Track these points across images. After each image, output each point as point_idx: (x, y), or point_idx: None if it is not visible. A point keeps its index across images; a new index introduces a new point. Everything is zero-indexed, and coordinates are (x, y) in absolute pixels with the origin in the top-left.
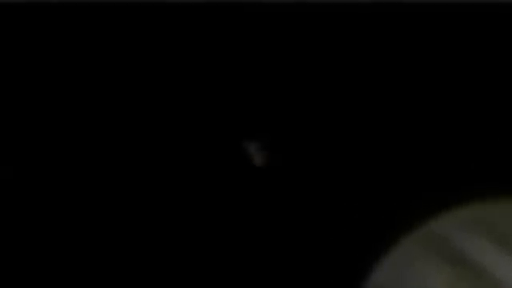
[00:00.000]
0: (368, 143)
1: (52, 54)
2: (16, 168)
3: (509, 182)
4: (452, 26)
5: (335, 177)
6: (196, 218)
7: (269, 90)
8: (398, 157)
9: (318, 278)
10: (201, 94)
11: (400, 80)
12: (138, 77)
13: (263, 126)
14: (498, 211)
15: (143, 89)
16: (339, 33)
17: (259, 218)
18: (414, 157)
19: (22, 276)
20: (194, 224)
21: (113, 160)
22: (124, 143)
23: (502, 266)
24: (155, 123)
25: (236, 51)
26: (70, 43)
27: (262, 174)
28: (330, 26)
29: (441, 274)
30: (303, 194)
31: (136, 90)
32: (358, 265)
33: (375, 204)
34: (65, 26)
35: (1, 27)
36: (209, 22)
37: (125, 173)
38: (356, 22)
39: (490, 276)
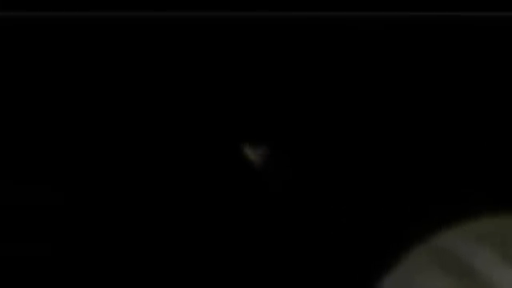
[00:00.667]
0: (374, 156)
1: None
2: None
3: None
4: (450, 38)
5: (337, 182)
6: (194, 219)
7: (266, 92)
8: (404, 169)
9: None
10: (199, 97)
11: (404, 91)
12: (137, 80)
13: (261, 127)
14: (507, 225)
15: (143, 91)
16: (337, 36)
17: (258, 221)
18: (422, 169)
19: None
20: (192, 225)
21: (112, 162)
22: (125, 147)
23: (510, 280)
24: (154, 126)
25: (233, 54)
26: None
27: (261, 175)
28: (326, 32)
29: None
30: (302, 199)
31: (136, 92)
32: (364, 278)
33: (380, 217)
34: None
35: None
36: (208, 25)
37: (125, 176)
38: (354, 28)
39: None
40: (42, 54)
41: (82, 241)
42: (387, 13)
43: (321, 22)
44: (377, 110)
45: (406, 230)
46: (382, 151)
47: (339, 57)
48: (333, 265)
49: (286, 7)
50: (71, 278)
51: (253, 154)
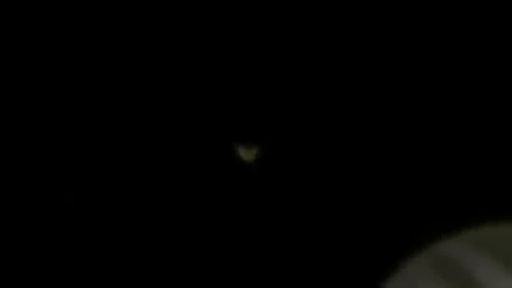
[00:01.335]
0: (375, 159)
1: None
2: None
3: None
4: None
5: (335, 186)
6: (189, 218)
7: (257, 89)
8: (407, 176)
9: None
10: (190, 94)
11: (403, 94)
12: (132, 79)
13: (251, 123)
14: (508, 234)
15: (137, 91)
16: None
17: (252, 221)
18: (425, 178)
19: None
20: (187, 225)
21: (106, 162)
22: (120, 147)
23: None
24: (146, 123)
25: (227, 54)
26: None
27: (251, 170)
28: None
29: None
30: (298, 201)
31: (130, 92)
32: (366, 285)
33: (381, 224)
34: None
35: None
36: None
37: (120, 175)
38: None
39: None
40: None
41: (75, 241)
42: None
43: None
44: (377, 113)
45: (408, 237)
46: (384, 155)
47: (331, 56)
48: (333, 271)
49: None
50: (71, 278)
51: (246, 154)
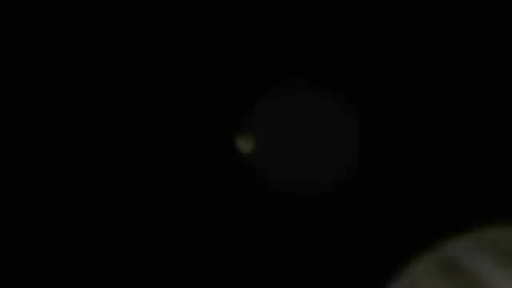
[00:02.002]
0: (376, 159)
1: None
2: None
3: None
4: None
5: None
6: (186, 213)
7: (255, 80)
8: (410, 178)
9: None
10: (188, 87)
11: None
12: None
13: (249, 115)
14: (508, 235)
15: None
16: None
17: (250, 216)
18: (427, 179)
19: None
20: (184, 220)
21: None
22: (114, 142)
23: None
24: (144, 120)
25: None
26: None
27: (251, 168)
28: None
29: None
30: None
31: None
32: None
33: (383, 226)
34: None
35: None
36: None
37: (116, 171)
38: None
39: None
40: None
41: (71, 240)
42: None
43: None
44: (375, 109)
45: (412, 238)
46: (386, 155)
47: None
48: (335, 271)
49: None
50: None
51: (243, 147)
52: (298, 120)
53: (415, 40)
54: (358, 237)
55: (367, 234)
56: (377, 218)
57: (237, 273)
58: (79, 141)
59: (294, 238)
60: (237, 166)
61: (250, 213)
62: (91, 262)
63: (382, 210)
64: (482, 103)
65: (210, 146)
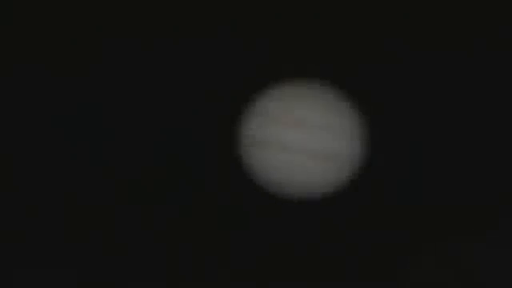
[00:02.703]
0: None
1: None
2: None
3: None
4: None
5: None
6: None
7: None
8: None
9: None
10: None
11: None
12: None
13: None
14: None
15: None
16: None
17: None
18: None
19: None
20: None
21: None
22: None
23: None
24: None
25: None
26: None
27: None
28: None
29: None
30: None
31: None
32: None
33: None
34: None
35: None
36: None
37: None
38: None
39: None
40: None
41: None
42: None
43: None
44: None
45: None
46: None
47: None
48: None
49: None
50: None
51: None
52: (298, 119)
53: (415, 40)
54: (358, 237)
55: (367, 234)
56: (376, 219)
57: (237, 273)
58: (77, 138)
59: (294, 237)
60: (237, 165)
61: (250, 213)
62: (90, 262)
63: (382, 212)
64: (482, 103)
65: (210, 146)
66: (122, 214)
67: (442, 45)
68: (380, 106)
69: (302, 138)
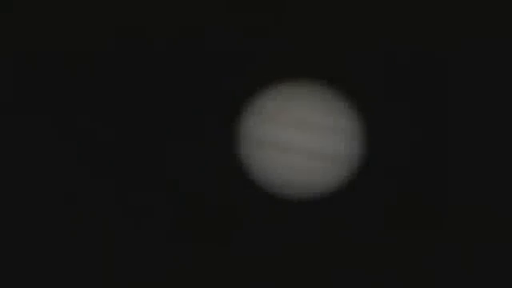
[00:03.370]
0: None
1: None
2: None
3: None
4: None
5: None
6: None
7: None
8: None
9: None
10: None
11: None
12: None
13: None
14: None
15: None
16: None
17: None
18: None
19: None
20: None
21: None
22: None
23: None
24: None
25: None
26: None
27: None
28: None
29: None
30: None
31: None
32: None
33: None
34: None
35: None
36: None
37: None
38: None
39: None
40: None
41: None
42: None
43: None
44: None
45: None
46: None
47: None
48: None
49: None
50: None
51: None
52: (297, 120)
53: (416, 40)
54: (358, 237)
55: (366, 234)
56: (376, 219)
57: (237, 273)
58: (78, 137)
59: (294, 237)
60: (236, 165)
61: (248, 213)
62: (90, 262)
63: (382, 211)
64: (483, 103)
65: (210, 146)
66: (123, 213)
67: (442, 45)
68: (379, 106)
69: (301, 138)
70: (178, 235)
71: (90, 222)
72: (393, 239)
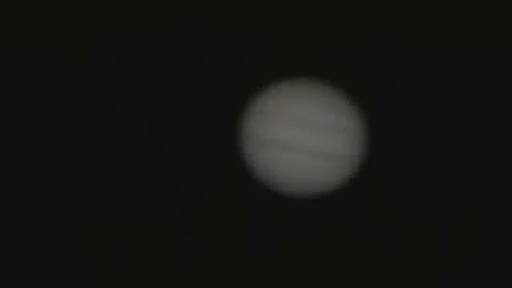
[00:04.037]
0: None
1: None
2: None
3: None
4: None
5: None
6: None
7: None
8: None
9: None
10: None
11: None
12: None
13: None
14: None
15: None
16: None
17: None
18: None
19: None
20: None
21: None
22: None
23: None
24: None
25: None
26: None
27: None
28: None
29: None
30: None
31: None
32: None
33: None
34: None
35: None
36: None
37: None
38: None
39: None
40: None
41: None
42: None
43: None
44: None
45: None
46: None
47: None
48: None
49: None
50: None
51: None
52: (298, 118)
53: (416, 40)
54: (358, 236)
55: (367, 234)
56: (376, 219)
57: (237, 272)
58: (76, 138)
59: (294, 235)
60: (238, 163)
61: (250, 211)
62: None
63: (382, 211)
64: (482, 103)
65: (211, 146)
66: (123, 213)
67: (443, 45)
68: (380, 106)
69: (302, 137)
70: (178, 235)
71: (90, 223)
72: (393, 239)
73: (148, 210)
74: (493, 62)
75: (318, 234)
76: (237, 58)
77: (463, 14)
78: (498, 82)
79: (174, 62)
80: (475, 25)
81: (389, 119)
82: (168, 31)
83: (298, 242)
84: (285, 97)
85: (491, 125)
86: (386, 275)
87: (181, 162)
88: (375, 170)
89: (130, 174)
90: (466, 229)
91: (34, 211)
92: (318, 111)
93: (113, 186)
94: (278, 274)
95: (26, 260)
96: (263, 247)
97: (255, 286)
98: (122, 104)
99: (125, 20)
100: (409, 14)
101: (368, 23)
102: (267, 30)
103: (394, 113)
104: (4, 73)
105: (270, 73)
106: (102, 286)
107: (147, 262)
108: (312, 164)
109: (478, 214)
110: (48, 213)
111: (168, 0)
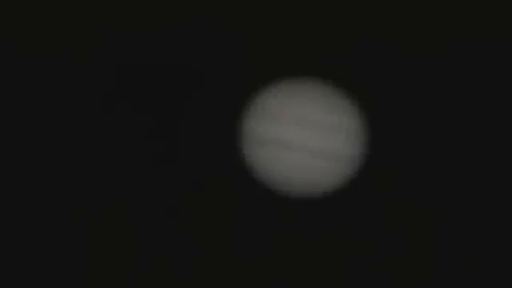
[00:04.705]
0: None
1: None
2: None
3: None
4: None
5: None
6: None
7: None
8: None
9: None
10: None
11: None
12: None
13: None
14: None
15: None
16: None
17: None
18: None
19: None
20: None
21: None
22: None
23: None
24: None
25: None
26: None
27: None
28: None
29: None
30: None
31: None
32: None
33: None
34: None
35: None
36: None
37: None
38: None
39: None
40: None
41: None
42: None
43: None
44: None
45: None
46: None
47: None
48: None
49: None
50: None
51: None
52: (299, 118)
53: (416, 41)
54: (358, 236)
55: (366, 234)
56: (376, 219)
57: (237, 273)
58: (76, 139)
59: (293, 237)
60: (238, 163)
61: (250, 210)
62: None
63: (382, 211)
64: (483, 103)
65: (210, 146)
66: (125, 213)
67: (443, 45)
68: (380, 106)
69: (302, 137)
70: (178, 234)
71: (89, 223)
72: (393, 239)
73: (148, 209)
74: (493, 62)
75: (318, 233)
76: (237, 57)
77: (463, 14)
78: (497, 81)
79: (174, 62)
80: (475, 25)
81: (389, 119)
82: (168, 31)
83: (298, 242)
84: (285, 96)
85: (491, 125)
86: (386, 275)
87: (181, 161)
88: (375, 170)
89: (130, 174)
90: (466, 229)
91: (34, 211)
92: (318, 111)
93: (113, 185)
94: (278, 273)
95: (25, 260)
96: (263, 247)
97: (255, 286)
98: (122, 104)
99: (125, 20)
100: (409, 14)
101: (368, 23)
102: (267, 29)
103: (394, 113)
104: (5, 73)
105: (270, 73)
106: (102, 286)
107: (147, 262)
108: (312, 164)
109: (478, 214)
110: (48, 213)
111: (168, 1)
